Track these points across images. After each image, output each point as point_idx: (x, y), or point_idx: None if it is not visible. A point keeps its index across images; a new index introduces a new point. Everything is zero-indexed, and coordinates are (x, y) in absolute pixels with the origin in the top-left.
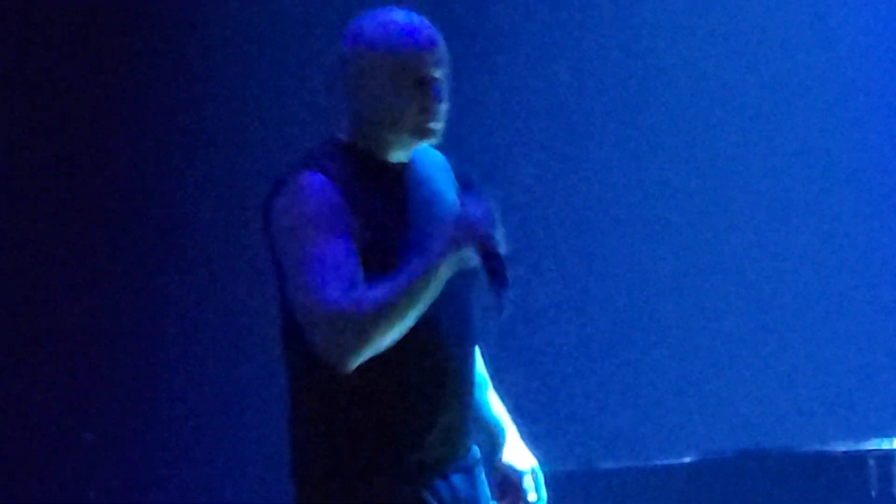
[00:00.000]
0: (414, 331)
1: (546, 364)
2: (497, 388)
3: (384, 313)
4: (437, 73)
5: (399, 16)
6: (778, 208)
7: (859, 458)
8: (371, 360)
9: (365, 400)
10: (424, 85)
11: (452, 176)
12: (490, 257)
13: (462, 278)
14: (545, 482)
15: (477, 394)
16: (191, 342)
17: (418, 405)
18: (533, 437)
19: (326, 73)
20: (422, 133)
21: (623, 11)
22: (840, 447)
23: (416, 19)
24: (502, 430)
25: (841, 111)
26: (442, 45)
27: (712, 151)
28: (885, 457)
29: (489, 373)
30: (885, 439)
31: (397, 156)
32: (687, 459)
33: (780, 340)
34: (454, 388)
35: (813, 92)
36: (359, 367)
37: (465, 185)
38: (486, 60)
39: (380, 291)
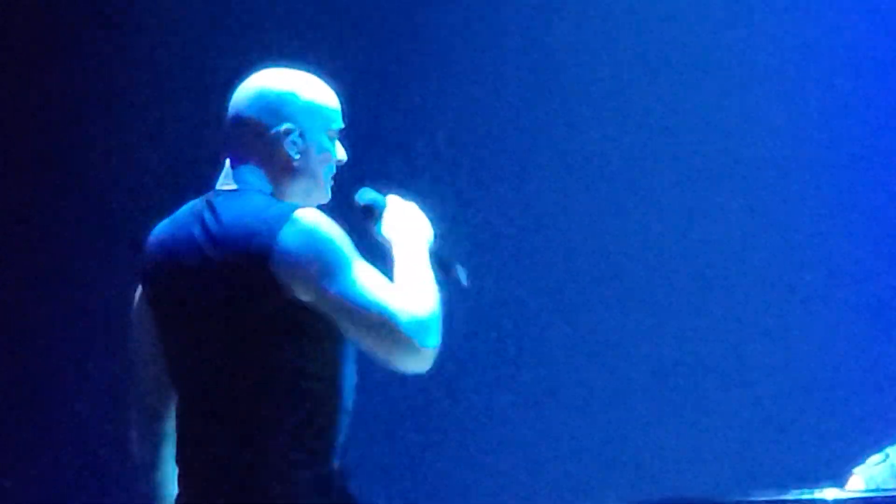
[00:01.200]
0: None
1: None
2: None
3: (436, 301)
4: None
5: (308, 75)
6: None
7: None
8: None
9: (327, 409)
10: (335, 140)
11: None
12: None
13: None
14: None
15: None
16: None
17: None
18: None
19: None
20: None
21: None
22: (761, 496)
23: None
24: None
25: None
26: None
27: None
28: None
29: None
30: (806, 489)
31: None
32: None
33: (699, 389)
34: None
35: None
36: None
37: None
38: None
39: (420, 288)
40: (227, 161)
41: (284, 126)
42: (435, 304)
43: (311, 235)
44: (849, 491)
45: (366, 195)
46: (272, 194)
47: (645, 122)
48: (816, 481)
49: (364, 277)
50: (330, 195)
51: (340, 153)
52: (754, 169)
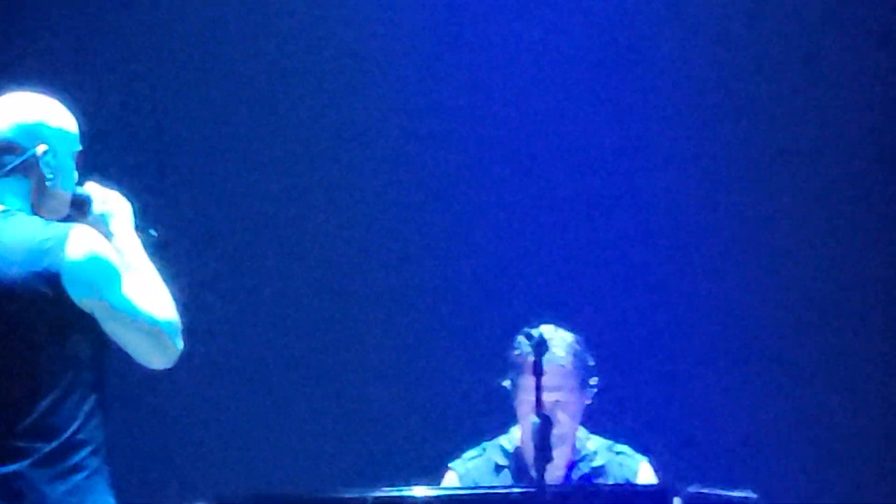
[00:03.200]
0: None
1: None
2: None
3: (170, 297)
4: None
5: (54, 101)
6: None
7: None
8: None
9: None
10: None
11: None
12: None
13: None
14: None
15: None
16: None
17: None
18: None
19: None
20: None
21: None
22: (351, 493)
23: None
24: None
25: None
26: None
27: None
28: (386, 502)
29: None
30: (397, 487)
31: None
32: None
33: (300, 386)
34: None
35: None
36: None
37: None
38: None
39: (165, 294)
40: None
41: (41, 147)
42: (174, 308)
43: (93, 253)
44: (437, 489)
45: (72, 190)
46: (35, 212)
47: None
48: (412, 478)
49: (134, 289)
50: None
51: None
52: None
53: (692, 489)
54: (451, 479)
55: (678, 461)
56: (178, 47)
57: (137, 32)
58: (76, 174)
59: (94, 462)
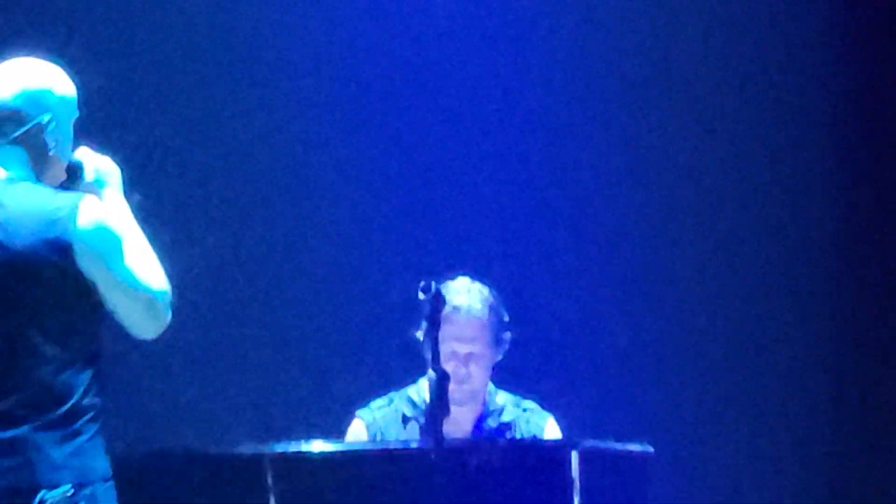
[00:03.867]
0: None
1: None
2: None
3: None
4: None
5: (57, 67)
6: None
7: (257, 460)
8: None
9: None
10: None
11: None
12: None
13: None
14: None
15: None
16: None
17: None
18: None
19: None
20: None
21: None
22: (247, 450)
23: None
24: None
25: None
26: None
27: None
28: (282, 458)
29: None
30: (294, 441)
31: None
32: None
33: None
34: None
35: None
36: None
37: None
38: None
39: (157, 265)
40: None
41: (46, 116)
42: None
43: (102, 222)
44: (335, 443)
45: None
46: (38, 180)
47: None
48: (311, 432)
49: (132, 259)
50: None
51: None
52: None
53: (589, 443)
54: (358, 427)
55: (582, 418)
56: (159, 38)
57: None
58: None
59: (94, 427)
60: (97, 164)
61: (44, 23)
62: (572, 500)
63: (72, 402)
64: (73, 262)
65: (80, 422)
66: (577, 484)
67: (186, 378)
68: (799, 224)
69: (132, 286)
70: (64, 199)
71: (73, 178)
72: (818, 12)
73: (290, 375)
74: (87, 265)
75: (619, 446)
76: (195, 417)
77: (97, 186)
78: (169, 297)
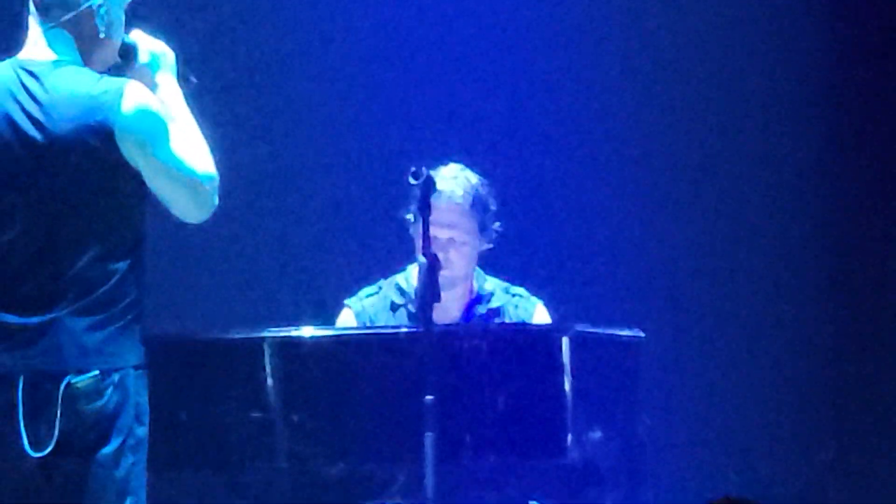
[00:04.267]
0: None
1: None
2: None
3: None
4: None
5: None
6: None
7: (257, 344)
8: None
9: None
10: None
11: None
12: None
13: None
14: None
15: None
16: None
17: None
18: None
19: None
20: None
21: None
22: (239, 335)
23: None
24: None
25: None
26: None
27: None
28: (279, 343)
29: None
30: (284, 327)
31: None
32: None
33: None
34: None
35: None
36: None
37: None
38: None
39: (206, 150)
40: (34, 28)
41: (96, 2)
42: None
43: (147, 108)
44: (325, 328)
45: None
46: (87, 64)
47: None
48: (298, 319)
49: (180, 145)
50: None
51: None
52: None
53: (580, 327)
54: (347, 317)
55: (573, 304)
56: None
57: None
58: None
59: (130, 314)
60: (151, 46)
61: None
62: (563, 384)
63: (105, 288)
64: (115, 148)
65: (115, 309)
66: (567, 368)
67: (189, 264)
68: (799, 224)
69: (178, 170)
70: (108, 83)
71: (126, 60)
72: (820, 12)
73: (283, 263)
74: (130, 151)
75: (609, 331)
76: (196, 304)
77: (150, 69)
78: (216, 181)
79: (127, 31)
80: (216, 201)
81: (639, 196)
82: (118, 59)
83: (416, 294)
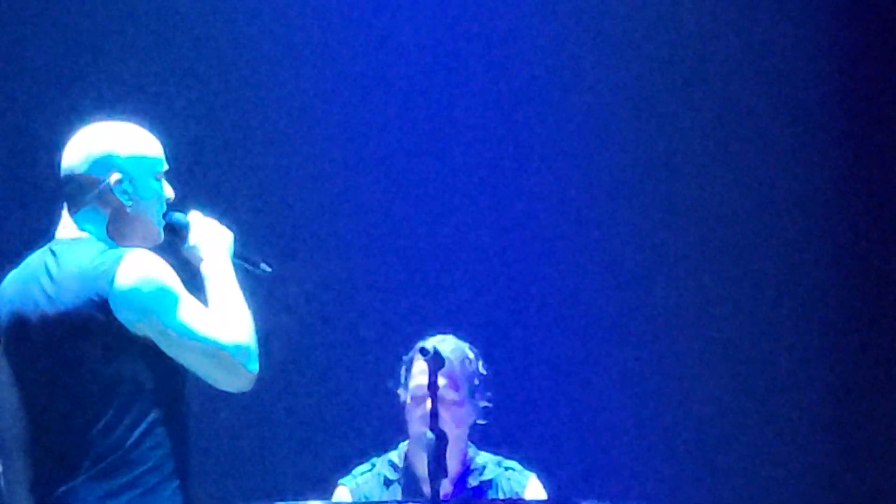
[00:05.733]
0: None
1: None
2: None
3: (253, 327)
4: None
5: (130, 126)
6: None
7: None
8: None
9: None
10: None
11: None
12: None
13: None
14: None
15: None
16: None
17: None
18: None
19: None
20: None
21: None
22: None
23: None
24: None
25: None
26: None
27: None
28: None
29: None
30: (290, 501)
31: None
32: None
33: None
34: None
35: None
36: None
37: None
38: None
39: (240, 316)
40: (66, 211)
41: (113, 176)
42: (253, 331)
43: (144, 277)
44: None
45: (170, 217)
46: (111, 239)
47: None
48: (303, 494)
49: (193, 312)
50: (163, 234)
51: (168, 192)
52: None
53: (584, 503)
54: (343, 494)
55: (569, 477)
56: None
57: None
58: (166, 197)
59: (152, 480)
60: (204, 225)
61: None
62: None
63: (119, 452)
64: (113, 318)
65: (132, 474)
66: None
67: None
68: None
69: (189, 339)
70: (109, 255)
71: (176, 237)
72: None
73: (281, 441)
74: (129, 319)
75: None
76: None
77: (198, 251)
78: (246, 349)
79: (185, 210)
80: (252, 369)
81: (634, 370)
82: (160, 237)
83: (417, 467)
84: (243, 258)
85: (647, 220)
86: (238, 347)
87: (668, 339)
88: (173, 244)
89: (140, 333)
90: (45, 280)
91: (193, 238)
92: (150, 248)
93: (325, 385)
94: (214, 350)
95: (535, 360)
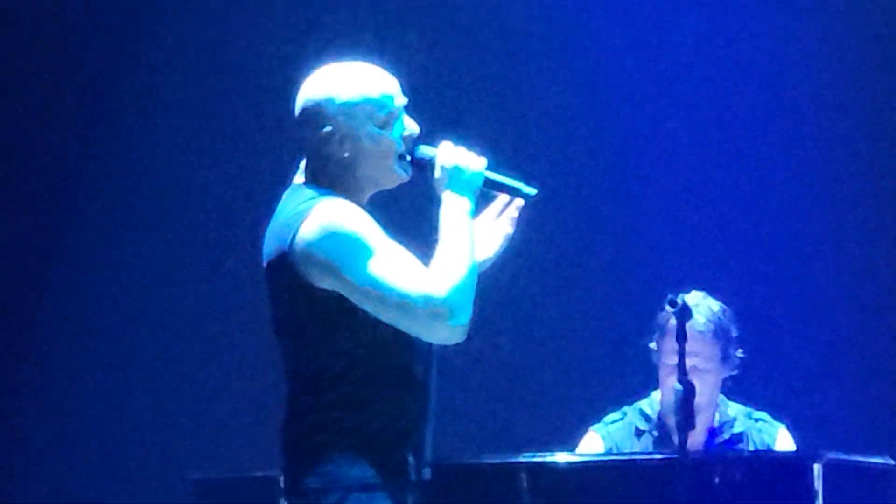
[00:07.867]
0: (405, 350)
1: None
2: None
3: (463, 277)
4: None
5: (352, 71)
6: None
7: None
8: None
9: (373, 393)
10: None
11: None
12: (490, 181)
13: None
14: None
15: None
16: None
17: (410, 409)
18: None
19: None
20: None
21: None
22: (492, 460)
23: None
24: None
25: None
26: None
27: None
28: (536, 468)
29: None
30: (538, 453)
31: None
32: None
33: None
34: (428, 404)
35: None
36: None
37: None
38: None
39: (452, 262)
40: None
41: (326, 129)
42: (461, 283)
43: (326, 228)
44: (580, 455)
45: (417, 151)
46: (334, 186)
47: None
48: (555, 439)
49: (384, 263)
50: (403, 172)
51: (410, 126)
52: None
53: (832, 455)
54: (594, 441)
55: (814, 430)
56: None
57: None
58: (402, 133)
59: (345, 440)
60: (450, 160)
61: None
62: None
63: (312, 415)
64: (296, 272)
65: (323, 435)
66: (820, 497)
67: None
68: None
69: (377, 290)
70: (301, 206)
71: (423, 171)
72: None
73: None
74: (310, 273)
75: (861, 458)
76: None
77: (443, 186)
78: (441, 302)
79: (435, 143)
80: (454, 323)
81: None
82: (399, 177)
83: (666, 419)
84: (499, 185)
85: None
86: (428, 299)
87: None
88: (428, 181)
89: (326, 286)
90: (269, 228)
91: (438, 172)
92: (393, 189)
93: (576, 333)
94: (400, 301)
95: (782, 314)
